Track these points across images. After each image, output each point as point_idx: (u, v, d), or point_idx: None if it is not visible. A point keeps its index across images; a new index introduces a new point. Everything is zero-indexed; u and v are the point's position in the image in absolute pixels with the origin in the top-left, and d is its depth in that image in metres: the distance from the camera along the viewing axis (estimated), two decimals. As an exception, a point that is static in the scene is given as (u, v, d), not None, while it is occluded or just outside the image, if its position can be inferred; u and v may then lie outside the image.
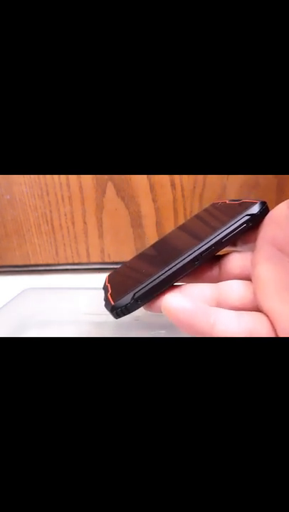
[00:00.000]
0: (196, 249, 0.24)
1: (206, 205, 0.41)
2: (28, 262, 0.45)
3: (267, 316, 0.21)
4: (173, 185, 0.41)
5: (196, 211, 0.41)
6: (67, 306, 0.39)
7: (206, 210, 0.30)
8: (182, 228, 0.30)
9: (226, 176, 0.40)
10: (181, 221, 0.42)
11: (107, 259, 0.44)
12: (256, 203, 0.23)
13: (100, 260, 0.44)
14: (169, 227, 0.42)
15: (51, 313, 0.38)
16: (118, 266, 0.42)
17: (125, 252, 0.44)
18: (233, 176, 0.40)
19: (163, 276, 0.23)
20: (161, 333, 0.31)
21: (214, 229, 0.24)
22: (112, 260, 0.44)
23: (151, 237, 0.43)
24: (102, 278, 0.45)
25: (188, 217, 0.42)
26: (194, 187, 0.41)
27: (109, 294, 0.26)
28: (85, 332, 0.33)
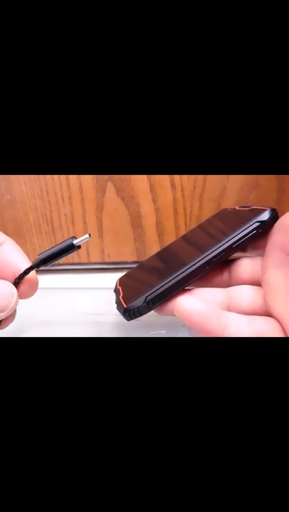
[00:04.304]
0: (206, 254, 0.24)
1: (206, 205, 0.41)
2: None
3: (277, 321, 0.21)
4: (173, 185, 0.41)
5: (196, 211, 0.41)
6: (67, 306, 0.39)
7: (216, 216, 0.31)
8: (193, 234, 0.30)
9: (226, 176, 0.40)
10: (182, 221, 0.42)
11: (107, 259, 0.44)
12: (266, 209, 0.24)
13: (100, 260, 0.44)
14: (169, 227, 0.42)
15: (51, 313, 0.38)
16: (118, 266, 0.42)
17: (125, 252, 0.44)
18: (233, 176, 0.40)
19: (174, 280, 0.24)
20: (161, 333, 0.31)
21: (225, 235, 0.25)
22: (112, 260, 0.44)
23: (152, 237, 0.43)
24: (102, 278, 0.45)
25: (189, 218, 0.42)
26: (194, 187, 0.41)
27: (121, 297, 0.26)
28: (85, 332, 0.33)
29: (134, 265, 0.33)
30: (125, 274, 0.31)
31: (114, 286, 0.29)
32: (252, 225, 0.24)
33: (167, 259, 0.29)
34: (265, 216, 0.24)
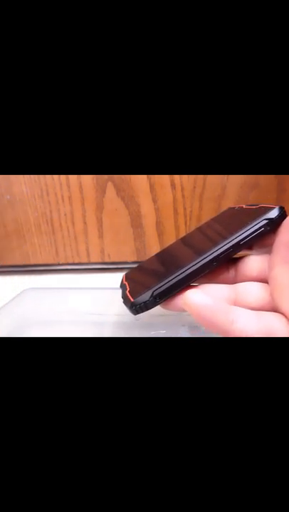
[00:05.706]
0: (214, 250, 0.24)
1: (206, 205, 0.41)
2: (28, 262, 0.45)
3: (285, 317, 0.21)
4: (173, 185, 0.41)
5: (196, 211, 0.42)
6: (67, 306, 0.39)
7: (223, 213, 0.31)
8: (200, 230, 0.30)
9: (226, 176, 0.40)
10: (182, 221, 0.42)
11: (107, 259, 0.44)
12: (274, 207, 0.24)
13: (99, 260, 0.44)
14: (169, 227, 0.42)
15: (51, 313, 0.38)
16: (118, 266, 0.42)
17: (125, 252, 0.44)
18: (233, 176, 0.40)
19: (181, 276, 0.24)
20: (162, 333, 0.31)
21: (232, 232, 0.25)
22: (112, 260, 0.44)
23: (152, 237, 0.43)
24: (102, 278, 0.45)
25: (189, 218, 0.42)
26: (194, 187, 0.41)
27: (127, 291, 0.26)
28: (85, 332, 0.33)
29: (134, 265, 0.33)
30: (131, 270, 0.31)
31: (120, 282, 0.29)
32: (260, 223, 0.24)
33: (174, 255, 0.29)
34: (273, 214, 0.24)
